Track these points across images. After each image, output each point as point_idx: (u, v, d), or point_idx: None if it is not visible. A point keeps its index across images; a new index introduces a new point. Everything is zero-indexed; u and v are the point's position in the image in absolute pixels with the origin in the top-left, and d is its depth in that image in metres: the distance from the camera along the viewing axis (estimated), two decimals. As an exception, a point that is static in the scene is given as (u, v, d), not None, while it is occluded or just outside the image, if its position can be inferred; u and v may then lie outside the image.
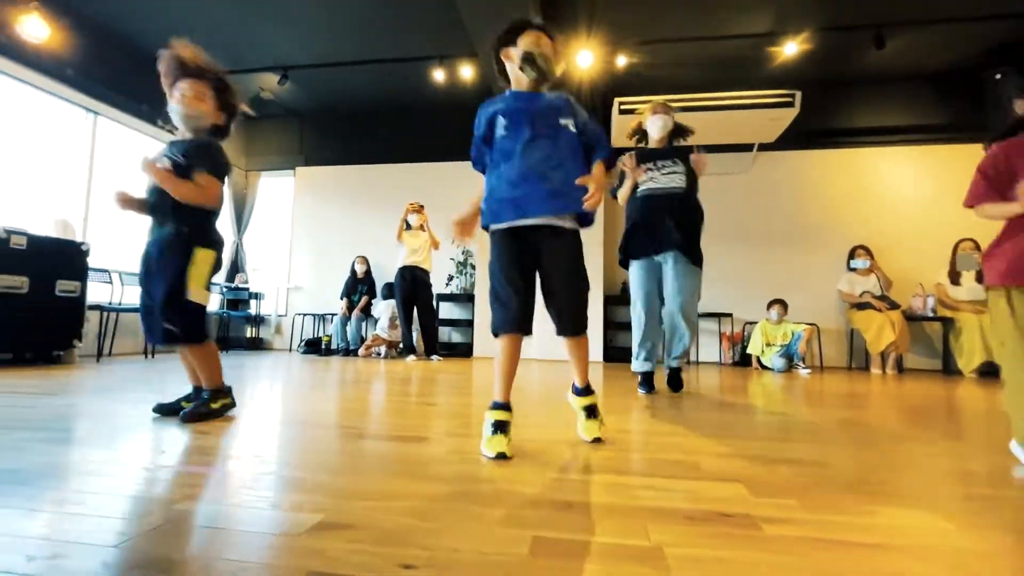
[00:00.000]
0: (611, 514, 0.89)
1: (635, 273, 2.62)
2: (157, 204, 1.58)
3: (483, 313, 5.48)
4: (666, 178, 2.58)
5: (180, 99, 1.57)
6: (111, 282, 4.41)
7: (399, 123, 6.11)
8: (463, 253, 5.78)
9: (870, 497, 1.01)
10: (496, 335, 1.44)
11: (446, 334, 5.81)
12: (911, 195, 5.22)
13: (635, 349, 2.64)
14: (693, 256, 2.50)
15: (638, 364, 2.64)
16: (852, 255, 5.08)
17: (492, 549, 0.73)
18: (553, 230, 1.41)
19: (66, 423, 1.55)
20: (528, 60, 1.38)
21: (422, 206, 4.95)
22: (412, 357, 4.78)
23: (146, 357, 4.44)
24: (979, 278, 4.68)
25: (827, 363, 5.12)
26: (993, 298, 1.33)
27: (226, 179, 1.64)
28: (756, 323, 4.90)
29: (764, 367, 4.71)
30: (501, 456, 1.24)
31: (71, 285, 3.65)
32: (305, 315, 6.03)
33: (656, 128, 2.66)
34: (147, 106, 4.85)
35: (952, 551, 0.77)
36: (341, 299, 5.60)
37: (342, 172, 6.16)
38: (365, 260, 5.71)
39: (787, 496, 1.01)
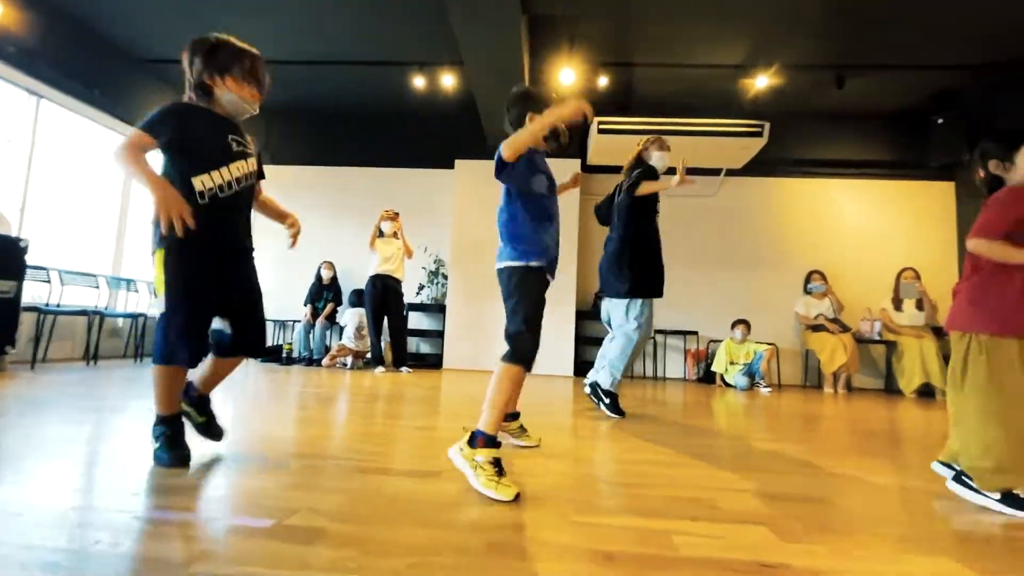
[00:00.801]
0: (658, 567, 0.87)
1: (646, 308, 2.69)
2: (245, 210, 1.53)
3: (456, 324, 5.40)
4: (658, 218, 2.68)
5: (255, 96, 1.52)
6: (49, 281, 4.03)
7: (374, 127, 5.96)
8: (435, 262, 5.69)
9: (890, 542, 1.05)
10: (528, 367, 1.45)
11: (414, 344, 5.68)
12: (861, 225, 5.58)
13: (621, 371, 2.67)
14: None
15: (616, 384, 2.68)
16: (808, 279, 5.36)
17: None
18: None
19: None
20: (554, 135, 1.53)
21: (397, 213, 4.83)
22: (380, 369, 4.63)
23: (87, 364, 4.08)
24: (919, 306, 5.06)
25: (784, 381, 5.37)
26: (957, 342, 1.38)
27: None
28: (720, 341, 5.08)
29: (727, 384, 4.88)
30: (517, 498, 1.20)
31: (6, 285, 3.30)
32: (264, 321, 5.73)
33: (663, 163, 2.72)
34: (99, 91, 4.50)
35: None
36: (305, 305, 5.37)
37: (310, 173, 5.93)
38: (332, 266, 5.51)
39: (812, 541, 1.03)
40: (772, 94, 4.90)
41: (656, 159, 2.74)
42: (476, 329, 5.40)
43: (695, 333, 5.51)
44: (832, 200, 5.62)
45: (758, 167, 5.36)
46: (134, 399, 2.34)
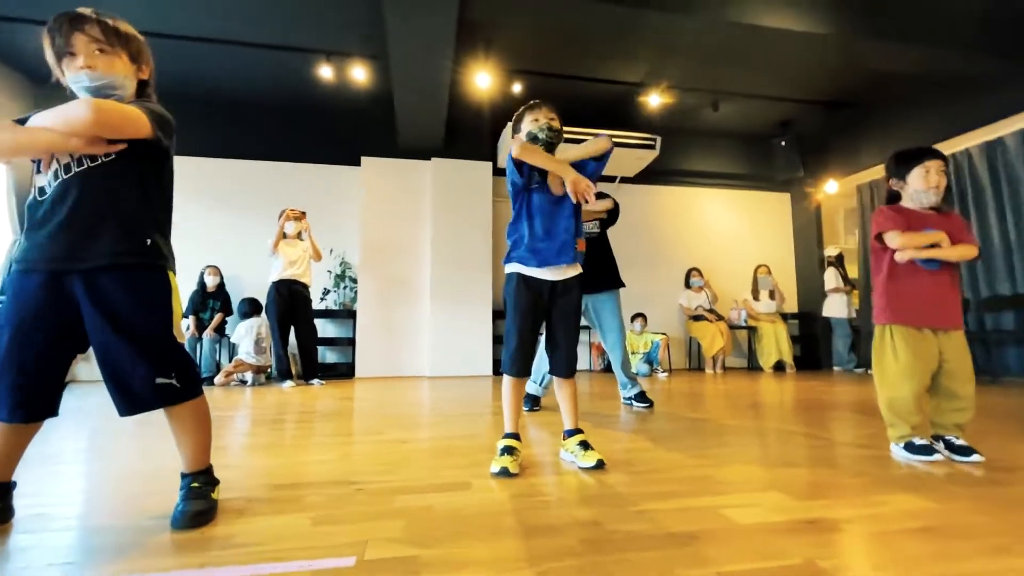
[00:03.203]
0: (733, 537, 1.00)
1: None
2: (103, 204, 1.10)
3: (368, 330, 5.15)
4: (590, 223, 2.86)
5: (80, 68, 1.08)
6: None
7: (271, 117, 5.38)
8: (341, 265, 5.34)
9: (870, 484, 1.31)
10: (508, 373, 1.64)
11: (320, 354, 5.28)
12: (727, 228, 6.53)
13: (628, 376, 2.90)
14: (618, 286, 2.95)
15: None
16: (689, 275, 6.13)
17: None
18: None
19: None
20: (532, 139, 1.62)
21: (303, 213, 4.45)
22: (289, 383, 4.23)
23: None
24: (772, 296, 6.08)
25: (674, 366, 6.06)
26: (878, 331, 1.76)
27: None
28: (622, 334, 5.57)
29: (630, 373, 5.38)
30: (504, 471, 1.42)
31: None
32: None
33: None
34: None
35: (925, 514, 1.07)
36: (186, 317, 4.68)
37: (193, 165, 5.14)
38: (217, 270, 4.88)
39: (819, 496, 1.25)
40: (662, 112, 5.49)
41: None
42: (389, 335, 5.21)
43: (598, 327, 5.96)
44: (706, 207, 6.48)
45: (648, 176, 5.98)
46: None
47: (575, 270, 1.66)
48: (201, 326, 4.68)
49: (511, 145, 1.58)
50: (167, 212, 1.25)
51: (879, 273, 1.75)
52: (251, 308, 4.65)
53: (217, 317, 4.76)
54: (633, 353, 5.42)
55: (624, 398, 2.95)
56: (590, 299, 2.88)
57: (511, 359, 1.60)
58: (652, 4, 3.45)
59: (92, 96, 1.09)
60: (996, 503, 1.19)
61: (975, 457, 1.56)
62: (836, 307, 5.75)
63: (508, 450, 1.52)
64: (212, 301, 4.80)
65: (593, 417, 2.56)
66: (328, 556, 0.94)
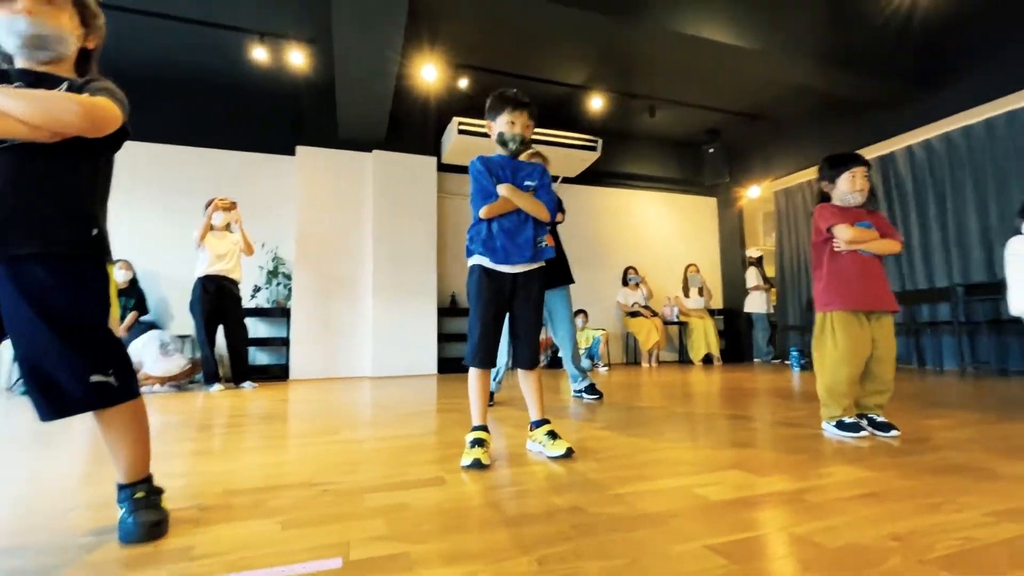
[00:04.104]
0: (710, 514, 1.05)
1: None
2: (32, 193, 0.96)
3: (303, 330, 4.88)
4: None
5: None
6: None
7: (198, 99, 4.95)
8: (274, 260, 5.02)
9: (814, 459, 1.43)
10: (473, 364, 1.63)
11: (250, 354, 4.94)
12: (660, 228, 6.87)
13: (578, 369, 2.96)
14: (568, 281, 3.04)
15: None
16: (626, 273, 6.38)
17: (688, 567, 0.81)
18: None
19: None
20: (501, 141, 1.64)
21: (234, 203, 4.13)
22: (217, 386, 3.92)
23: None
24: (701, 292, 6.48)
25: (613, 360, 6.28)
26: (819, 319, 1.93)
27: None
28: (564, 330, 5.69)
29: (573, 368, 5.51)
30: (477, 463, 1.42)
31: None
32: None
33: None
34: None
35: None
36: (93, 316, 4.19)
37: None
38: (129, 265, 4.43)
39: (774, 472, 1.34)
40: (603, 115, 5.67)
41: None
42: (327, 334, 4.98)
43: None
44: (642, 208, 6.78)
45: (589, 177, 6.15)
46: None
47: (538, 263, 1.67)
48: (111, 326, 4.21)
49: (498, 188, 1.60)
50: (106, 202, 1.12)
51: (820, 266, 1.92)
52: (146, 329, 4.23)
53: (131, 316, 4.30)
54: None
55: (574, 391, 3.01)
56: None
57: (475, 350, 1.58)
58: (598, 7, 3.55)
59: (21, 44, 0.95)
60: (919, 469, 1.35)
61: (893, 432, 1.76)
62: (756, 303, 6.23)
63: (478, 442, 1.52)
64: (124, 299, 4.34)
65: (547, 410, 2.59)
66: (309, 559, 0.88)
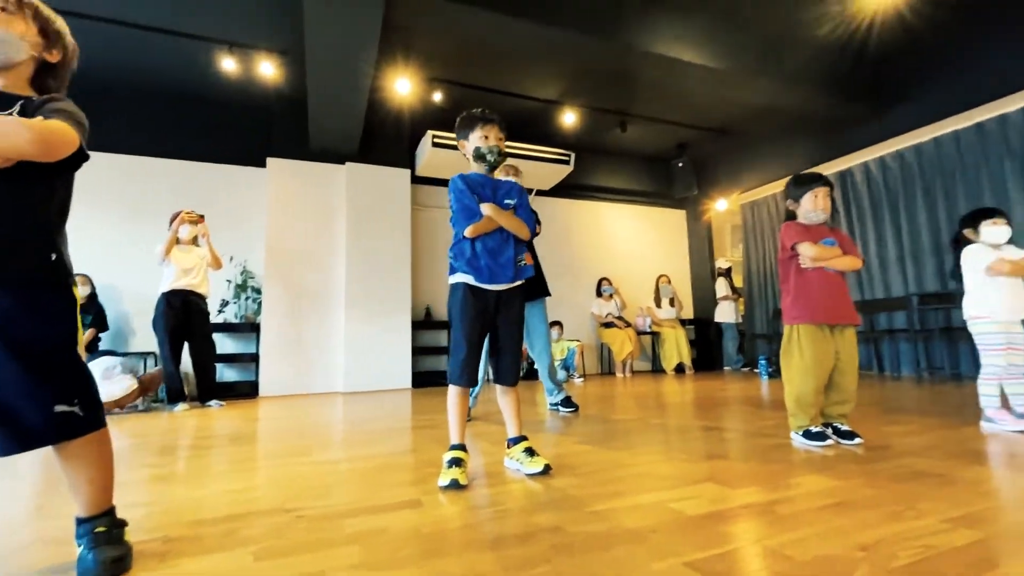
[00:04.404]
0: (686, 529, 1.07)
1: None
2: None
3: (273, 346, 4.76)
4: None
5: None
6: None
7: (163, 110, 4.82)
8: (242, 274, 4.89)
9: (784, 470, 1.47)
10: (453, 383, 1.62)
11: (218, 372, 4.78)
12: (632, 241, 7.00)
13: (554, 382, 2.97)
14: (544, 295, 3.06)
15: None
16: (600, 284, 6.46)
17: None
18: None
19: None
20: (480, 157, 1.65)
21: (201, 216, 4.02)
22: (182, 405, 3.77)
23: None
24: (672, 303, 6.61)
25: (588, 371, 6.33)
26: (787, 331, 2.00)
27: None
28: (540, 342, 5.71)
29: (549, 379, 5.53)
30: (454, 483, 1.41)
31: None
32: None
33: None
34: None
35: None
36: (47, 334, 3.99)
37: None
38: (88, 280, 4.25)
39: (746, 484, 1.38)
40: (576, 130, 5.77)
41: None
42: (298, 350, 4.87)
43: (517, 336, 6.06)
44: (614, 220, 6.90)
45: (562, 190, 6.24)
46: None
47: (519, 282, 1.69)
48: (66, 344, 4.01)
49: (484, 209, 1.61)
50: (65, 222, 1.08)
51: (787, 280, 1.99)
52: (98, 325, 4.09)
53: (88, 333, 4.12)
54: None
55: (551, 404, 3.02)
56: None
57: (459, 369, 1.58)
58: (568, 24, 3.63)
59: None
60: (881, 477, 1.40)
61: (857, 440, 1.82)
62: (726, 313, 6.39)
63: (456, 462, 1.50)
64: (82, 315, 4.13)
65: (525, 425, 2.59)
66: (284, 592, 0.85)
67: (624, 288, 6.62)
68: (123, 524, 1.03)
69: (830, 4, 4.07)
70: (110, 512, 1.02)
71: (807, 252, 1.87)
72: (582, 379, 5.46)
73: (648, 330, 6.51)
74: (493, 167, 1.67)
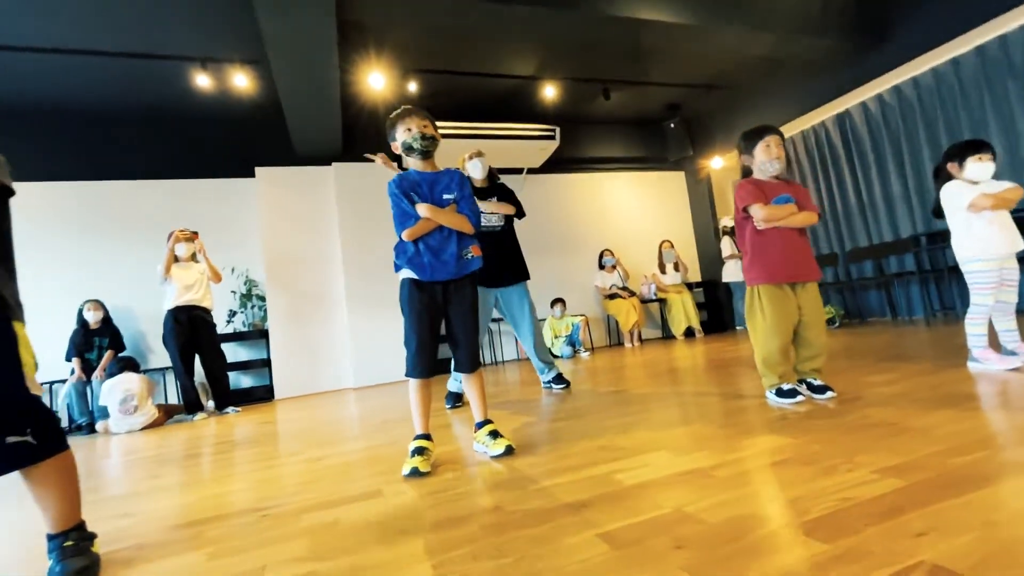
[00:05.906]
0: (619, 499, 1.10)
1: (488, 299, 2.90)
2: None
3: (283, 349, 4.91)
4: (488, 216, 2.92)
5: None
6: None
7: (148, 132, 4.92)
8: (246, 284, 5.03)
9: (743, 432, 1.48)
10: (411, 375, 1.67)
11: (233, 380, 4.97)
12: (630, 208, 6.90)
13: (544, 361, 3.00)
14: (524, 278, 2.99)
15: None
16: (601, 256, 6.42)
17: (570, 559, 0.86)
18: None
19: None
20: (407, 148, 1.65)
21: (195, 233, 4.14)
22: (201, 414, 3.96)
23: None
24: (676, 268, 6.53)
25: (596, 345, 6.34)
26: (748, 293, 1.97)
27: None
28: (544, 320, 5.74)
29: (555, 356, 5.56)
30: (415, 471, 1.47)
31: None
32: None
33: (477, 171, 2.94)
34: None
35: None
36: (69, 360, 4.21)
37: (64, 190, 4.55)
38: (100, 305, 4.42)
39: (698, 450, 1.39)
40: (559, 103, 5.67)
41: (470, 167, 2.98)
42: (307, 351, 5.01)
43: (522, 316, 6.09)
44: (609, 190, 6.80)
45: (553, 166, 6.16)
46: None
47: (464, 275, 1.69)
48: (89, 368, 4.23)
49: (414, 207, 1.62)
50: (9, 259, 1.14)
51: (744, 241, 1.97)
52: (120, 367, 3.95)
53: (107, 356, 4.31)
54: (556, 337, 5.62)
55: (544, 382, 3.06)
56: (499, 292, 2.95)
57: (413, 362, 1.62)
58: (529, 0, 3.55)
59: None
60: (834, 432, 1.40)
61: (829, 394, 1.81)
62: (733, 272, 6.27)
63: (419, 451, 1.56)
64: (98, 339, 4.35)
65: (515, 404, 2.65)
66: (223, 590, 0.92)
67: (628, 256, 6.57)
68: (92, 537, 1.12)
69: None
70: (79, 527, 1.11)
71: (758, 214, 1.83)
72: (588, 353, 5.48)
73: (654, 297, 6.46)
74: (424, 153, 1.65)
